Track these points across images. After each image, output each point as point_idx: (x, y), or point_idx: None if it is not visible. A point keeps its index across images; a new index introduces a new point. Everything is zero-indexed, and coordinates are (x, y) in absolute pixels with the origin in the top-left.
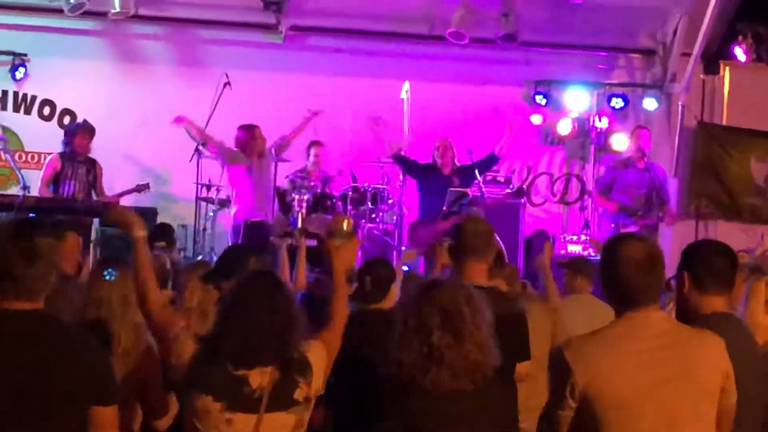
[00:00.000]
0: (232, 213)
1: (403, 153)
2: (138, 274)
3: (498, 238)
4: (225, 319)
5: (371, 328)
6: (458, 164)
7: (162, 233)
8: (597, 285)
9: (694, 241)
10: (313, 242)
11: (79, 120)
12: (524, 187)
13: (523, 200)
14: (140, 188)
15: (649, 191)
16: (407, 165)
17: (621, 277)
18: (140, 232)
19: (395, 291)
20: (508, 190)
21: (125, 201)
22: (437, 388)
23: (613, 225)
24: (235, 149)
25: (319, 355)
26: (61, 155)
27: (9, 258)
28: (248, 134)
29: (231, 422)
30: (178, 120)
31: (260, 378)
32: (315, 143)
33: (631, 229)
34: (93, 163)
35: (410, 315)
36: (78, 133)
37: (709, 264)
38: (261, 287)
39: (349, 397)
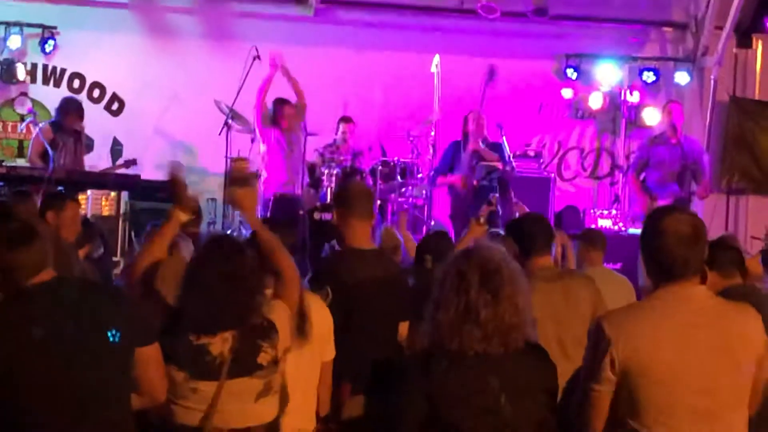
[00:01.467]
0: (262, 186)
1: (434, 176)
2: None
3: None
4: (184, 288)
5: None
6: (488, 139)
7: None
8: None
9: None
10: None
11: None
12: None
13: (553, 175)
14: (128, 164)
15: (682, 167)
16: (445, 169)
17: (665, 249)
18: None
19: None
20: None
21: None
22: (465, 349)
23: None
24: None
25: (282, 315)
26: (52, 125)
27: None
28: (279, 108)
29: (196, 390)
30: (273, 63)
31: (221, 345)
32: (344, 119)
33: (665, 202)
34: (79, 135)
35: (448, 275)
36: (72, 112)
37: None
38: (217, 254)
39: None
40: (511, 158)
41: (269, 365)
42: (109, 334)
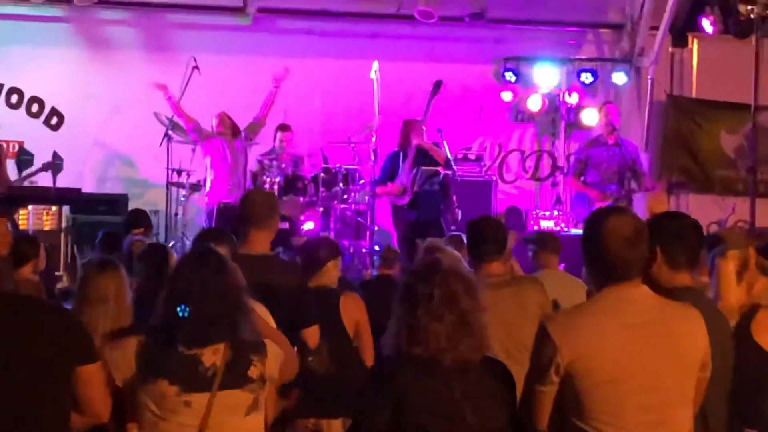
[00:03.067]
0: (205, 196)
1: (378, 186)
2: None
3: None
4: (171, 300)
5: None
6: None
7: (138, 220)
8: (563, 259)
9: (662, 214)
10: (285, 225)
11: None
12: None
13: (494, 178)
14: (46, 167)
15: (620, 167)
16: (386, 178)
17: (607, 251)
18: None
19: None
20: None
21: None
22: (431, 357)
23: (587, 199)
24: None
25: (275, 350)
26: None
27: None
28: (216, 120)
29: (189, 404)
30: (161, 87)
31: (213, 356)
32: (281, 127)
33: (604, 203)
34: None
35: (413, 283)
36: None
37: (681, 239)
38: (204, 265)
39: None
40: (452, 162)
41: (258, 380)
42: (38, 352)
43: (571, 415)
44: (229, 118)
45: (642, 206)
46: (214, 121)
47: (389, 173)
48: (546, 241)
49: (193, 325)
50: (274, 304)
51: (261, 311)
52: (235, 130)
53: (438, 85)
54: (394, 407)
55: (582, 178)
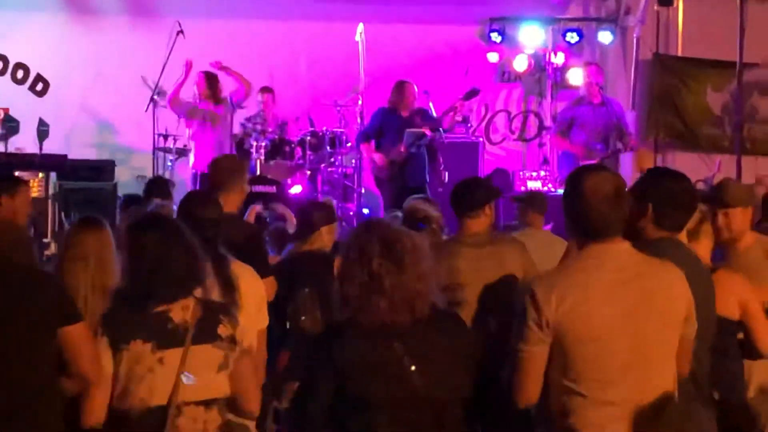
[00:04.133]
0: (191, 162)
1: (365, 141)
2: None
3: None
4: (132, 260)
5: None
6: (417, 106)
7: (156, 189)
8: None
9: (663, 171)
10: (272, 188)
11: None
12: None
13: (481, 139)
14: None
15: (606, 126)
16: (373, 133)
17: (588, 209)
18: None
19: None
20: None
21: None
22: (372, 320)
23: (573, 159)
24: (190, 104)
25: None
26: None
27: None
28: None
29: (163, 360)
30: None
31: (182, 313)
32: (263, 89)
33: (590, 161)
34: None
35: (351, 248)
36: None
37: (673, 203)
38: (154, 225)
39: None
40: (440, 123)
41: (227, 339)
42: (20, 315)
43: (556, 374)
44: (210, 80)
45: (628, 166)
46: (195, 89)
47: (378, 128)
48: (533, 200)
49: (160, 281)
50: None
51: (250, 274)
52: (216, 95)
53: (473, 93)
54: (337, 374)
55: (568, 138)
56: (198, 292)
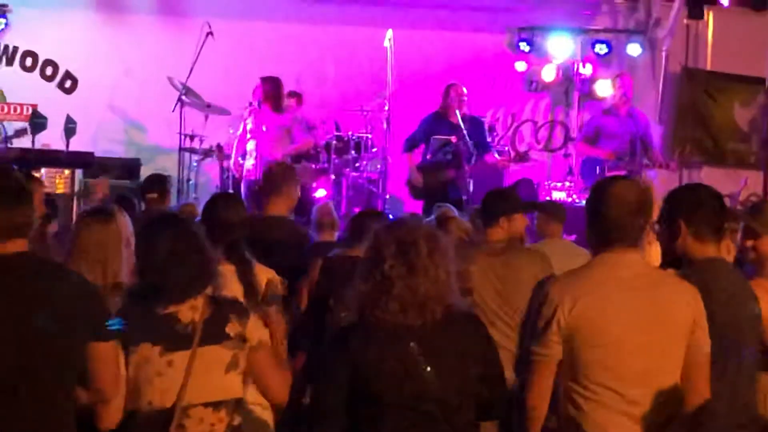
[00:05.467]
0: (246, 168)
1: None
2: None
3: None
4: (142, 260)
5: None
6: (468, 113)
7: (153, 184)
8: (570, 229)
9: (683, 186)
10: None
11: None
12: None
13: (507, 148)
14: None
15: (632, 138)
16: (421, 140)
17: (609, 215)
18: None
19: None
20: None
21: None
22: (382, 320)
23: (598, 169)
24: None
25: (258, 322)
26: None
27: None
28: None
29: (171, 363)
30: None
31: (190, 313)
32: (290, 94)
33: (617, 173)
34: None
35: (369, 249)
36: None
37: (703, 210)
38: (169, 225)
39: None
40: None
41: (237, 338)
42: (58, 320)
43: (566, 378)
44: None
45: (653, 178)
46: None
47: (426, 134)
48: (550, 209)
49: (170, 282)
50: (280, 257)
51: (263, 270)
52: (275, 102)
53: (523, 158)
54: (351, 372)
55: (595, 146)
56: (208, 290)
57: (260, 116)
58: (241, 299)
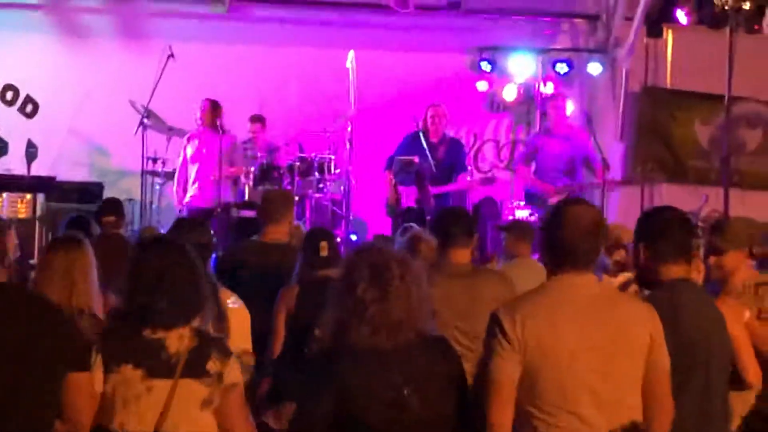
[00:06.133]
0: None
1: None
2: None
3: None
4: (133, 281)
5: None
6: (448, 135)
7: (109, 207)
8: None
9: (648, 210)
10: (254, 213)
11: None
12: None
13: (469, 168)
14: None
15: (569, 159)
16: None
17: (564, 238)
18: None
19: None
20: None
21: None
22: (356, 344)
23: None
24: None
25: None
26: None
27: None
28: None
29: (151, 390)
30: None
31: (178, 342)
32: (253, 118)
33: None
34: None
35: (341, 273)
36: None
37: (666, 235)
38: (165, 249)
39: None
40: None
41: (215, 376)
42: (34, 351)
43: (523, 402)
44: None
45: (616, 196)
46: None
47: (406, 153)
48: (518, 229)
49: (159, 307)
50: (279, 282)
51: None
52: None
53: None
54: (336, 397)
55: (533, 167)
56: (196, 322)
57: (201, 139)
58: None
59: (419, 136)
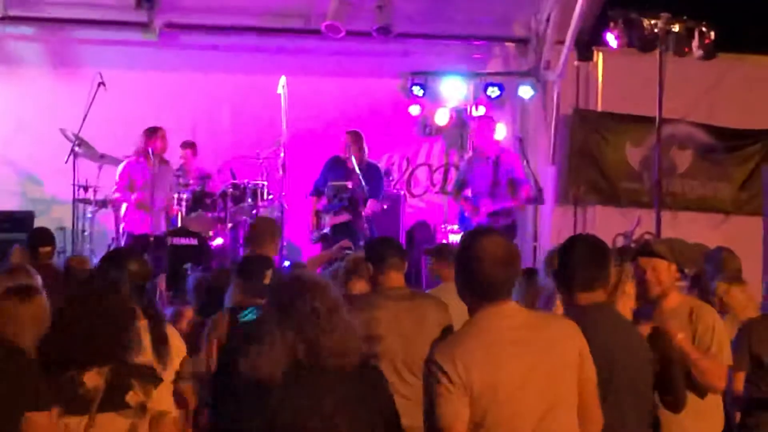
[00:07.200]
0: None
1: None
2: None
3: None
4: (59, 322)
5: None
6: (367, 160)
7: (45, 238)
8: None
9: (566, 241)
10: (194, 241)
11: None
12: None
13: (403, 192)
14: None
15: (494, 181)
16: (321, 185)
17: (480, 271)
18: None
19: None
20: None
21: None
22: (298, 372)
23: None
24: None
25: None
26: None
27: None
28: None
29: (68, 426)
30: None
31: (96, 378)
32: (184, 144)
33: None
34: None
35: (277, 300)
36: None
37: (575, 266)
38: (92, 290)
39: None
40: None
41: (136, 407)
42: None
43: None
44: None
45: (548, 218)
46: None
47: (325, 179)
48: (443, 253)
49: (72, 344)
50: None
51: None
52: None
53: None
54: (266, 428)
55: (468, 193)
56: (121, 355)
57: (140, 167)
58: (150, 356)
59: (337, 162)
